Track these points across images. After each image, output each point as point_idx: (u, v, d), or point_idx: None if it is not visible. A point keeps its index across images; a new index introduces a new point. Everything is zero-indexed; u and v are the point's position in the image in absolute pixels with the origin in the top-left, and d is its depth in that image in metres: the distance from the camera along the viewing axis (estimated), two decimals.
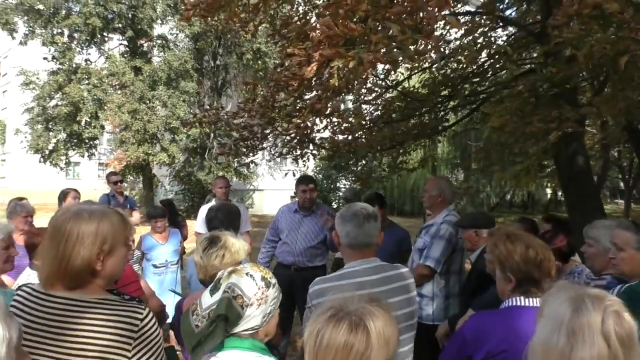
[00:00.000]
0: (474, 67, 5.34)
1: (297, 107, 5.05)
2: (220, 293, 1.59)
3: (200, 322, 1.57)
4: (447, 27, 5.57)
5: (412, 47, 2.44)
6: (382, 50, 2.48)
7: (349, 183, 20.17)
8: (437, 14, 2.30)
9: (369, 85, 5.31)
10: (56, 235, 1.60)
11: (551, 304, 1.23)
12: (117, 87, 20.11)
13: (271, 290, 1.66)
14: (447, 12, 3.40)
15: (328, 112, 5.19)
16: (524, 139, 6.16)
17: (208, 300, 1.59)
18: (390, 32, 2.48)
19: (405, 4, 2.40)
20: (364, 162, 7.79)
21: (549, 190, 28.53)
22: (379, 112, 6.08)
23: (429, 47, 3.13)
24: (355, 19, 2.68)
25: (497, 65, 5.56)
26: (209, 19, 5.39)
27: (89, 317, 1.56)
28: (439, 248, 3.56)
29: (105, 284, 1.69)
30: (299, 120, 4.67)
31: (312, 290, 2.09)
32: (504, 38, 7.04)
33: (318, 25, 2.62)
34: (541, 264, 2.00)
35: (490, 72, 5.90)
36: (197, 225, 5.97)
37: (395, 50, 2.40)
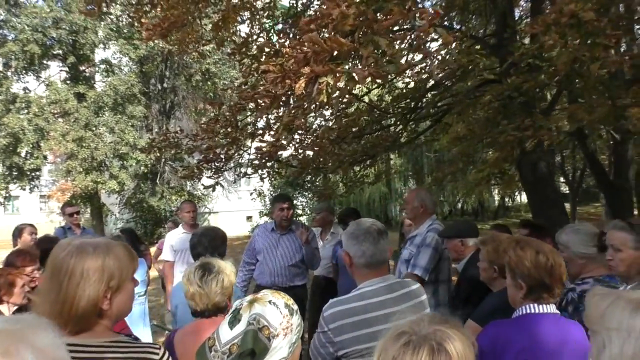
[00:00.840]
0: (439, 78, 5.46)
1: (266, 125, 4.96)
2: (244, 325, 1.44)
3: (220, 359, 1.42)
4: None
5: (402, 61, 2.42)
6: (372, 65, 2.44)
7: (305, 200, 20.08)
8: (429, 27, 2.29)
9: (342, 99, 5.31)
10: (57, 273, 1.42)
11: (614, 314, 1.18)
12: (60, 115, 19.23)
13: (295, 318, 1.53)
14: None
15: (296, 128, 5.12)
16: (488, 147, 6.36)
17: (228, 333, 1.44)
18: (379, 46, 2.45)
19: (394, 18, 2.38)
20: (327, 177, 7.77)
21: (497, 197, 29.53)
22: (339, 127, 6.10)
23: (418, 59, 3.13)
24: (339, 34, 2.63)
25: (457, 76, 5.69)
26: (168, 40, 5.26)
27: None
28: (425, 257, 3.54)
29: (113, 325, 1.53)
30: (272, 139, 4.56)
31: (328, 314, 1.96)
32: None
33: (305, 42, 2.55)
34: (552, 270, 1.97)
35: (450, 84, 6.03)
36: (164, 253, 5.74)
37: (386, 64, 2.37)
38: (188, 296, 2.26)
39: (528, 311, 1.99)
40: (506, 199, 31.07)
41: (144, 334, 4.94)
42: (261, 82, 4.51)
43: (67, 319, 1.41)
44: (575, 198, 16.67)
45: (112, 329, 1.52)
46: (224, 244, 3.23)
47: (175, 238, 5.63)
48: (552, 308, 2.00)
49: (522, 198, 33.87)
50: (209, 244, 3.15)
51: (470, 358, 1.08)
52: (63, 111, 18.79)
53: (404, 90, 6.15)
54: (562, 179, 18.81)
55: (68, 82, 19.67)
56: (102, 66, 20.40)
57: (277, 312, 1.47)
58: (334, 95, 2.84)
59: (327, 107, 4.06)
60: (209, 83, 20.78)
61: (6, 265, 3.17)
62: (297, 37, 4.39)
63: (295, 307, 1.56)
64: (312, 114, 5.43)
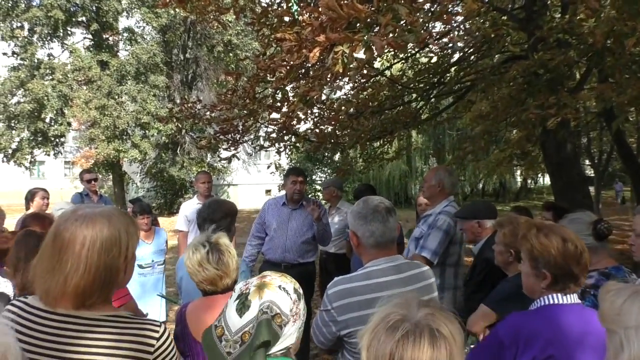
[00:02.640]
0: (462, 50, 5.27)
1: (284, 97, 4.86)
2: (254, 313, 1.37)
3: (232, 349, 1.36)
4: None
5: (422, 31, 2.30)
6: (391, 34, 2.31)
7: (324, 176, 20.05)
8: None
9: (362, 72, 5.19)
10: (68, 244, 1.36)
11: (632, 311, 1.07)
12: (83, 82, 19.41)
13: (302, 303, 1.48)
14: None
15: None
16: (512, 126, 6.16)
17: (237, 321, 1.37)
18: (398, 14, 2.32)
19: None
20: (346, 153, 7.66)
21: (519, 179, 29.10)
22: (357, 102, 5.97)
23: (439, 29, 2.98)
24: (357, 0, 2.50)
25: (483, 50, 5.49)
26: (185, 7, 5.15)
27: (98, 337, 1.35)
28: (435, 239, 3.43)
29: (111, 297, 1.48)
30: (287, 110, 4.46)
31: (332, 292, 1.91)
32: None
33: (321, 8, 2.43)
34: (580, 258, 1.85)
35: (474, 59, 5.83)
36: (178, 222, 5.75)
37: (406, 33, 2.24)
38: (194, 275, 2.21)
39: (552, 301, 1.88)
40: (529, 181, 30.64)
41: (159, 306, 4.94)
42: (279, 53, 4.40)
43: (76, 291, 1.35)
44: (600, 181, 16.25)
45: (112, 301, 1.48)
46: (225, 218, 3.13)
47: (190, 208, 5.62)
48: (575, 298, 1.89)
49: (545, 180, 33.39)
50: (207, 216, 3.08)
51: (461, 339, 1.04)
52: (86, 79, 18.97)
53: (427, 65, 5.96)
54: (587, 162, 18.34)
55: (91, 49, 19.79)
56: (125, 34, 20.44)
57: (288, 299, 1.42)
58: (351, 66, 2.73)
59: (344, 79, 3.93)
60: (230, 55, 20.67)
61: (22, 228, 3.15)
62: (316, 4, 4.24)
63: (301, 290, 1.50)
64: (330, 87, 5.31)
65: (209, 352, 1.42)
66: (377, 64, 6.87)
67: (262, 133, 6.54)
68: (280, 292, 1.40)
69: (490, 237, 3.31)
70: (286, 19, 4.36)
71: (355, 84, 5.95)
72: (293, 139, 6.16)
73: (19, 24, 18.69)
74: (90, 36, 20.08)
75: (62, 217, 1.43)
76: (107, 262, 1.37)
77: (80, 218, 1.39)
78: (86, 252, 1.35)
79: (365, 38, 2.34)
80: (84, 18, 19.20)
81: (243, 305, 1.38)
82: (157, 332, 1.43)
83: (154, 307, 4.77)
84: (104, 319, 1.38)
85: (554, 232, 1.91)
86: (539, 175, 28.20)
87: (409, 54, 6.55)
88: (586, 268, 1.88)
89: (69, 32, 19.81)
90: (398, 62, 6.97)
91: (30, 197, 5.26)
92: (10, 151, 19.27)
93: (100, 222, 1.39)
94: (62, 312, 1.37)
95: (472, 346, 2.49)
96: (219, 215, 3.12)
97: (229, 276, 2.12)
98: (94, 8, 19.07)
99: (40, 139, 19.49)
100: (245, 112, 5.60)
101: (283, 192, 4.92)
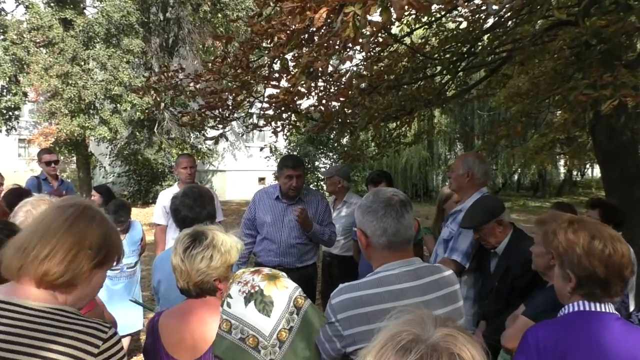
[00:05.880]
0: (500, 17, 5.21)
1: (283, 68, 4.85)
2: (284, 304, 1.47)
3: (272, 354, 1.44)
4: None
5: None
6: None
7: (329, 162, 20.05)
8: None
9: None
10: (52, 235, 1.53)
11: None
12: (42, 44, 19.37)
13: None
14: None
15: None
16: (555, 106, 6.13)
17: (267, 322, 1.47)
18: None
19: None
20: (355, 135, 7.65)
21: (562, 170, 29.04)
22: (371, 75, 5.93)
23: None
24: None
25: (522, 15, 5.43)
26: None
27: (33, 328, 1.43)
28: (467, 239, 3.46)
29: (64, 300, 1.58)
30: (287, 84, 4.45)
31: (337, 301, 1.92)
32: None
33: None
34: (609, 259, 1.87)
35: (512, 24, 5.78)
36: (155, 215, 5.77)
37: None
38: (175, 269, 2.23)
39: (577, 308, 1.93)
40: (574, 172, 30.59)
41: (133, 314, 4.95)
42: (278, 14, 4.37)
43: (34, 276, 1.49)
44: None
45: (59, 301, 1.56)
46: (210, 204, 3.18)
47: (169, 198, 5.65)
48: (610, 308, 1.91)
49: (595, 172, 33.30)
50: (194, 203, 3.10)
51: None
52: (46, 40, 18.91)
53: (455, 32, 5.91)
54: None
55: (52, 5, 19.66)
56: None
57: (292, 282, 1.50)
58: (364, 31, 2.71)
59: (356, 47, 3.90)
60: (219, 15, 20.58)
61: None
62: None
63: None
64: (338, 56, 5.30)
65: None
66: (395, 30, 6.82)
67: (255, 109, 6.52)
68: (287, 279, 1.47)
69: (513, 234, 3.33)
70: None
71: (369, 54, 5.91)
72: (293, 117, 6.14)
73: None
74: None
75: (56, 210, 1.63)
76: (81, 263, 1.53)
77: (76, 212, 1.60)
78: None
79: None
80: None
81: (265, 304, 1.44)
82: (105, 332, 1.50)
83: (127, 316, 4.80)
84: (45, 311, 1.47)
85: (585, 227, 1.94)
86: (587, 166, 28.14)
87: (434, 18, 6.50)
88: (620, 275, 1.89)
89: None
90: (420, 27, 6.92)
91: None
92: None
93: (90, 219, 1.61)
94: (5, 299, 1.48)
95: None
96: (207, 200, 3.17)
97: (189, 275, 2.14)
98: None
99: None
100: (236, 83, 5.58)
101: (277, 183, 4.92)
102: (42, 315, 1.45)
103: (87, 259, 1.55)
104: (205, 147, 23.40)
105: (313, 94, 5.93)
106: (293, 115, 6.10)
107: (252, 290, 1.48)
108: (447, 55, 5.65)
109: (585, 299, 1.91)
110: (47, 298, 1.51)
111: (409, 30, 6.65)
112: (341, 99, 5.47)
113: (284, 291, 1.47)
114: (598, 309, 1.89)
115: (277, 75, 5.42)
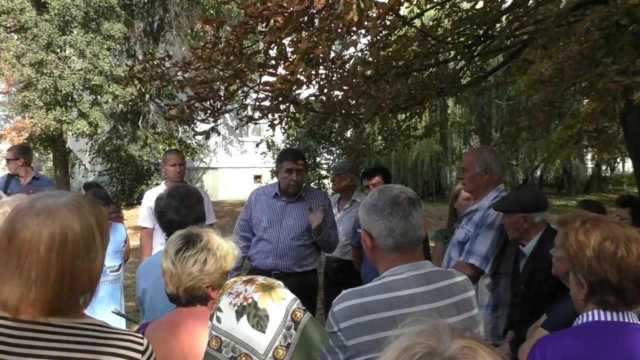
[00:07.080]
0: None
1: (280, 54, 4.87)
2: (280, 318, 1.47)
3: None
4: None
5: None
6: None
7: (332, 158, 20.04)
8: None
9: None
10: (30, 247, 1.43)
11: None
12: (14, 29, 19.38)
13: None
14: None
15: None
16: (582, 95, 6.13)
17: (263, 338, 1.47)
18: None
19: None
20: (361, 128, 7.66)
21: (590, 165, 28.99)
22: (377, 61, 5.92)
23: None
24: None
25: None
26: None
27: (72, 349, 1.42)
28: (486, 241, 3.48)
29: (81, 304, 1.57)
30: (285, 72, 4.47)
31: (340, 309, 1.94)
32: None
33: None
34: (622, 263, 1.84)
35: (534, 3, 5.78)
36: (140, 217, 5.80)
37: None
38: (164, 273, 2.26)
39: (593, 318, 1.91)
40: (603, 167, 30.54)
41: (114, 325, 4.98)
42: None
43: (43, 300, 1.42)
44: None
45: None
46: (200, 204, 3.21)
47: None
48: (631, 317, 1.90)
49: (626, 166, 33.24)
50: (180, 204, 3.12)
51: None
52: (18, 25, 18.89)
53: (470, 13, 5.91)
54: None
55: None
56: None
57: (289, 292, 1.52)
58: (370, 13, 2.73)
59: (360, 31, 3.92)
60: None
61: None
62: None
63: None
64: (341, 41, 5.31)
65: None
66: (403, 11, 6.82)
67: (250, 100, 6.54)
68: (284, 289, 1.48)
69: (544, 235, 3.35)
70: None
71: (375, 38, 5.92)
72: (292, 109, 6.16)
73: None
74: None
75: (18, 211, 1.49)
76: (79, 264, 1.45)
77: (42, 212, 1.45)
78: (55, 255, 1.41)
79: None
80: None
81: (259, 318, 1.45)
82: (141, 345, 1.51)
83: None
84: (78, 327, 1.46)
85: (599, 227, 1.92)
86: (618, 160, 28.07)
87: None
88: (636, 280, 1.86)
89: None
90: (432, 7, 6.93)
91: None
92: None
93: (67, 215, 1.46)
94: (28, 319, 1.44)
95: None
96: (194, 200, 3.19)
97: (179, 279, 2.17)
98: None
99: None
100: (228, 72, 5.59)
101: (276, 180, 4.94)
102: (77, 333, 1.45)
103: None
104: (195, 142, 23.37)
105: (313, 82, 5.94)
106: (292, 106, 6.11)
107: (245, 303, 1.48)
108: (462, 39, 5.65)
109: (600, 307, 1.90)
110: (76, 313, 1.51)
111: (419, 11, 6.65)
112: (344, 88, 5.47)
113: (280, 303, 1.47)
114: (615, 319, 1.88)
115: (273, 62, 5.44)
